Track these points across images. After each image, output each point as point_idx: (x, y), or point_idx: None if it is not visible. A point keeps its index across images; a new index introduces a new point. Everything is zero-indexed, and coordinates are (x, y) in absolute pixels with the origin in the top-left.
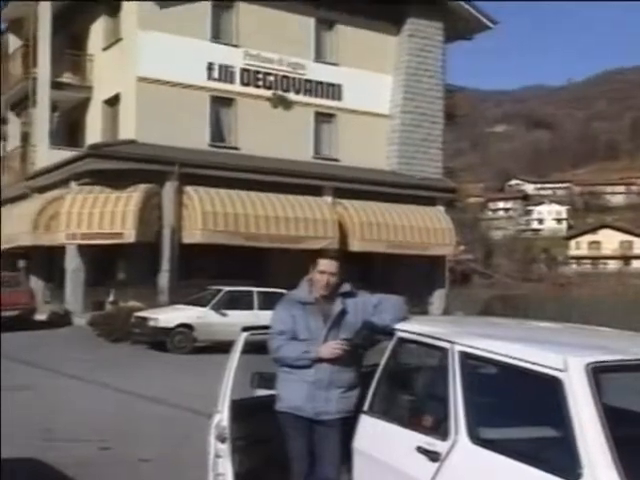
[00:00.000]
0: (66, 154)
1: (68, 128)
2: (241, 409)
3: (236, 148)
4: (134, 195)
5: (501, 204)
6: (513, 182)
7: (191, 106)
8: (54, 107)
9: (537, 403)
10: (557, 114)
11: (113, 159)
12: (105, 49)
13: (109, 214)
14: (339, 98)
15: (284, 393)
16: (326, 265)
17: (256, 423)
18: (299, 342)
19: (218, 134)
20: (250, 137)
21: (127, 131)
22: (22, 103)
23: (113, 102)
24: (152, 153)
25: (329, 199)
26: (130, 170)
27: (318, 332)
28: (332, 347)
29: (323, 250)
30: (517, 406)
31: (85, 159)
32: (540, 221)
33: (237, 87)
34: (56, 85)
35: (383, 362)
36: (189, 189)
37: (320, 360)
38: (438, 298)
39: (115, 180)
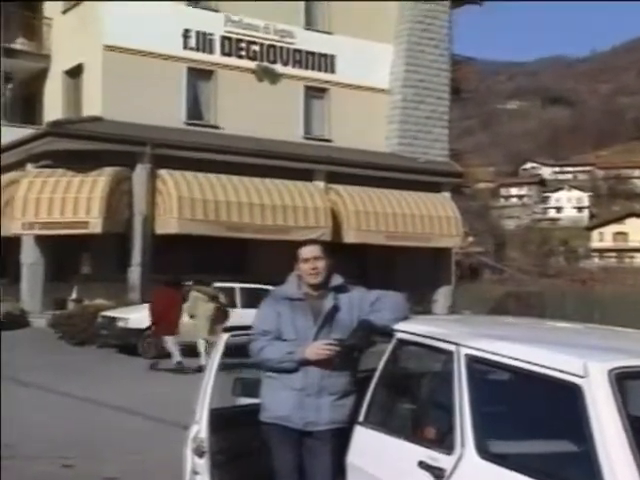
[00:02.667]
0: (22, 132)
1: (23, 102)
2: (221, 419)
3: (216, 127)
4: (100, 179)
5: (514, 190)
6: (528, 165)
7: (165, 79)
8: (6, 78)
9: (554, 413)
10: (578, 88)
11: (76, 138)
12: (65, 12)
13: (72, 200)
14: (332, 70)
15: (269, 401)
16: (307, 251)
17: (238, 435)
18: (284, 342)
19: (195, 111)
20: (232, 114)
21: (92, 106)
22: None
23: (75, 73)
24: (121, 132)
25: (321, 184)
26: (96, 151)
27: (307, 332)
28: (320, 347)
29: (300, 243)
30: (531, 416)
31: (44, 138)
32: (558, 209)
33: (217, 57)
34: (8, 52)
35: (381, 366)
36: (163, 173)
37: (308, 363)
38: (443, 295)
39: (79, 162)
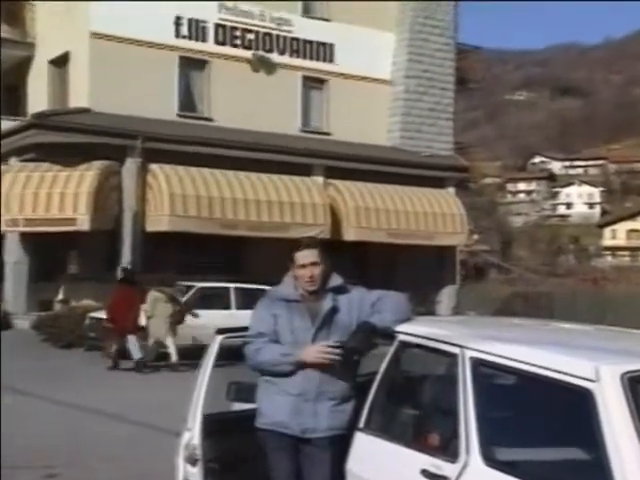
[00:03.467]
0: (5, 124)
1: (6, 93)
2: (215, 426)
3: (209, 119)
4: (88, 174)
5: (522, 185)
6: (537, 159)
7: (156, 69)
8: None
9: (563, 419)
10: (590, 78)
11: (62, 131)
12: None
13: (58, 196)
14: (331, 60)
15: (265, 407)
16: (304, 256)
17: (233, 442)
18: (280, 345)
19: (188, 102)
20: (226, 106)
21: (79, 97)
22: None
23: (61, 62)
24: (109, 124)
25: (320, 180)
26: (83, 144)
27: (304, 334)
28: (318, 350)
29: (297, 241)
30: (539, 422)
31: (28, 130)
32: (568, 205)
33: (210, 46)
34: None
35: (382, 370)
36: (154, 167)
37: (305, 367)
38: (447, 296)
39: (65, 156)
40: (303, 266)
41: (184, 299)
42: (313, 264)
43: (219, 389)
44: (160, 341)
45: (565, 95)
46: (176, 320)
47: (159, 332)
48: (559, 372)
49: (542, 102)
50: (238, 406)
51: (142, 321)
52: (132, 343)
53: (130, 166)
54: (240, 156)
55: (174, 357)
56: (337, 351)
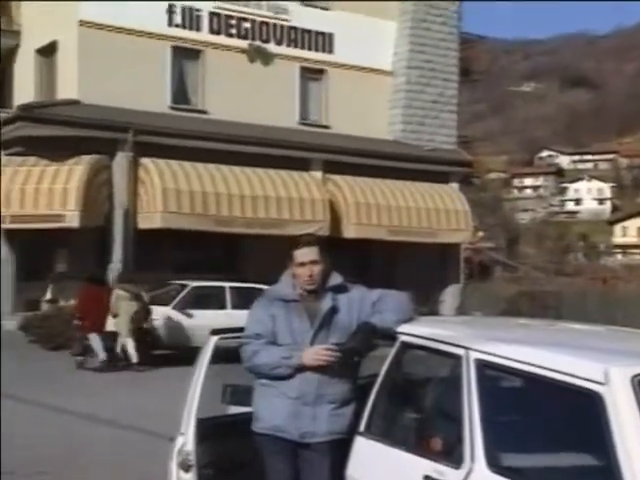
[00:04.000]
0: None
1: None
2: (210, 430)
3: (204, 111)
4: (77, 168)
5: (529, 181)
6: (544, 154)
7: (148, 59)
8: None
9: (572, 423)
10: (600, 68)
11: (50, 123)
12: None
13: (46, 191)
14: (330, 50)
15: (262, 410)
16: (304, 254)
17: (228, 447)
18: (279, 347)
19: (181, 94)
20: (221, 98)
21: (67, 89)
22: None
23: (48, 51)
24: (99, 116)
25: (318, 174)
26: (72, 137)
27: (303, 335)
28: (318, 353)
29: (295, 238)
30: (547, 427)
31: (14, 123)
32: (577, 201)
33: (205, 35)
34: None
35: (383, 372)
36: (146, 161)
37: (304, 369)
38: (451, 295)
39: (53, 150)
40: (302, 264)
41: (178, 298)
42: (313, 262)
43: (214, 392)
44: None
45: (574, 86)
46: (140, 318)
47: (123, 330)
48: (567, 374)
49: (550, 94)
50: (234, 409)
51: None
52: (96, 342)
53: (121, 160)
54: (235, 150)
55: (134, 358)
56: (336, 353)
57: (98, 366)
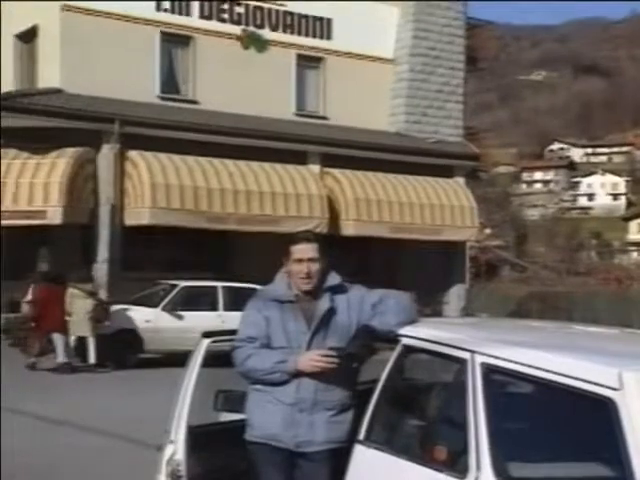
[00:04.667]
0: None
1: None
2: (201, 439)
3: (194, 101)
4: (60, 162)
5: (539, 175)
6: (555, 146)
7: (135, 46)
8: None
9: (583, 431)
10: (615, 56)
11: (31, 114)
12: None
13: (27, 186)
14: (329, 37)
15: (256, 418)
16: (302, 251)
17: (220, 457)
18: (273, 351)
19: (171, 83)
20: (213, 87)
21: (49, 77)
22: None
23: (29, 37)
24: (83, 106)
25: (316, 168)
26: (55, 129)
27: (299, 338)
28: (314, 358)
29: (293, 234)
30: (557, 435)
31: None
32: (590, 196)
33: (196, 21)
34: None
35: (384, 377)
36: (133, 154)
37: (301, 375)
38: (456, 296)
39: (34, 142)
40: (300, 261)
41: (167, 299)
42: (311, 260)
43: (206, 398)
44: (84, 337)
45: (587, 75)
46: (96, 316)
47: (80, 330)
48: (579, 380)
49: (561, 83)
50: (227, 417)
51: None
52: (59, 343)
53: (107, 153)
54: (228, 142)
55: (92, 358)
56: (334, 359)
57: (57, 367)
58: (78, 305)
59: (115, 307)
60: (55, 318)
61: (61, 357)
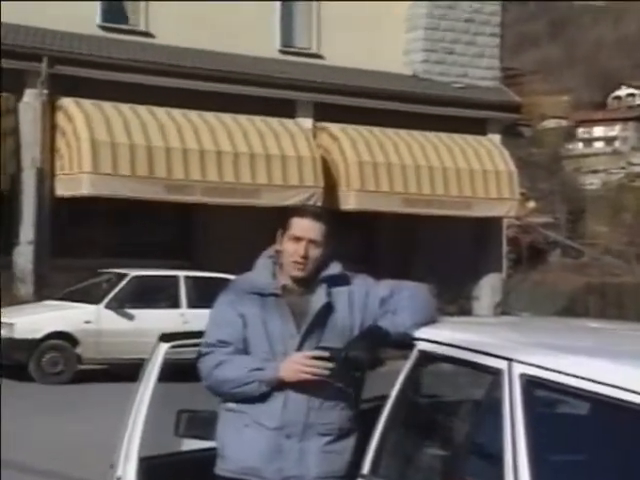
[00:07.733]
0: None
1: None
2: (157, 472)
3: (148, 34)
4: None
5: (600, 130)
6: (622, 92)
7: None
8: None
9: None
10: None
11: None
12: None
13: None
14: None
15: (230, 446)
16: (305, 227)
17: None
18: (249, 358)
19: (116, 9)
20: (172, 15)
21: None
22: None
23: None
24: (2, 39)
25: (307, 122)
26: None
27: (285, 342)
28: (301, 362)
29: (297, 207)
30: (616, 465)
31: None
32: None
33: None
34: None
35: (395, 393)
36: (67, 102)
37: (284, 386)
38: (489, 288)
39: None
40: (298, 239)
41: (113, 293)
42: (312, 242)
43: (164, 420)
44: None
45: None
46: None
47: None
48: None
49: (630, 8)
50: (190, 445)
51: None
52: None
53: (31, 101)
54: (193, 88)
55: None
56: (329, 364)
57: None
58: None
59: (43, 304)
60: None
61: None
